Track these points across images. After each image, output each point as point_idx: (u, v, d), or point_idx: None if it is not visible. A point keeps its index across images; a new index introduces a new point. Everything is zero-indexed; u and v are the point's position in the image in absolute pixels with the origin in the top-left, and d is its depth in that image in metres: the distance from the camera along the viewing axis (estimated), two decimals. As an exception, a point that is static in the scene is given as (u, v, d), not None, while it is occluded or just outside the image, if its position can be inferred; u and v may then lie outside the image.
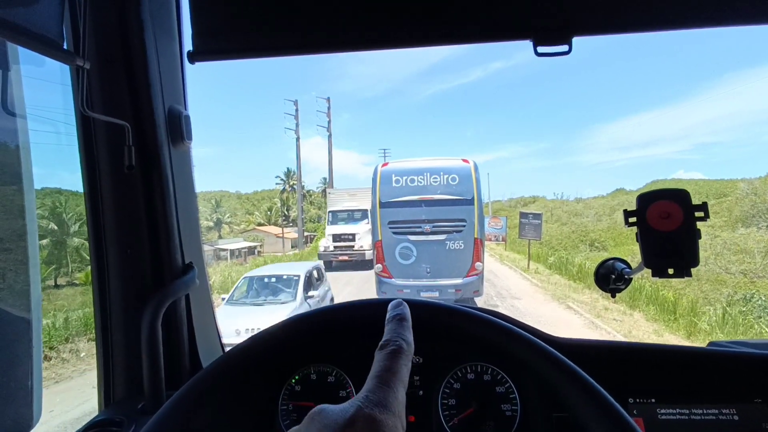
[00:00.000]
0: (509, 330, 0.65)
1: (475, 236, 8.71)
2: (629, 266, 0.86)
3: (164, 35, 0.88)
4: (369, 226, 13.28)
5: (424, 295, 8.65)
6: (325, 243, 17.91)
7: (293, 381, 0.90)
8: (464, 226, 8.72)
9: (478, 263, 8.75)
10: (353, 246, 17.41)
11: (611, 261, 0.86)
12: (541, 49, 0.78)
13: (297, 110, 35.53)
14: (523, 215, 17.12)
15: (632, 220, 0.74)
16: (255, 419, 0.85)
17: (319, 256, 17.54)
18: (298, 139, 35.67)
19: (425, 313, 0.68)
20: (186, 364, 0.95)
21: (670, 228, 0.71)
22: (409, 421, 0.85)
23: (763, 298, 11.30)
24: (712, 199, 40.06)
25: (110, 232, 0.85)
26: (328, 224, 18.92)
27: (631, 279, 0.83)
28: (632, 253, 27.10)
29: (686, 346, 0.89)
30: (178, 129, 0.89)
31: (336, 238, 17.62)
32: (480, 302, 10.26)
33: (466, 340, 0.71)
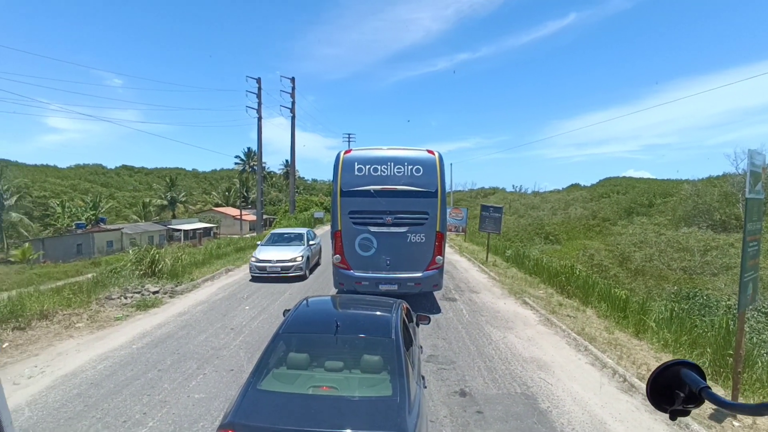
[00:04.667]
0: None
1: (437, 229, 8.55)
2: (704, 375, 0.58)
3: None
4: None
5: (383, 288, 8.43)
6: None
7: None
8: (426, 218, 8.53)
9: (438, 257, 8.61)
10: None
11: (675, 366, 0.57)
12: None
13: (260, 89, 34.08)
14: (484, 208, 17.22)
15: None
16: None
17: None
18: (259, 119, 34.29)
19: None
20: None
21: None
22: None
23: (704, 297, 11.93)
24: (658, 198, 42.25)
25: None
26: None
27: (704, 401, 0.56)
28: (584, 247, 28.08)
29: None
30: None
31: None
32: (438, 295, 10.19)
33: None
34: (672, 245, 26.77)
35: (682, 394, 0.55)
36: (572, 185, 59.45)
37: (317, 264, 14.96)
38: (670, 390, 0.56)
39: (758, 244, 4.50)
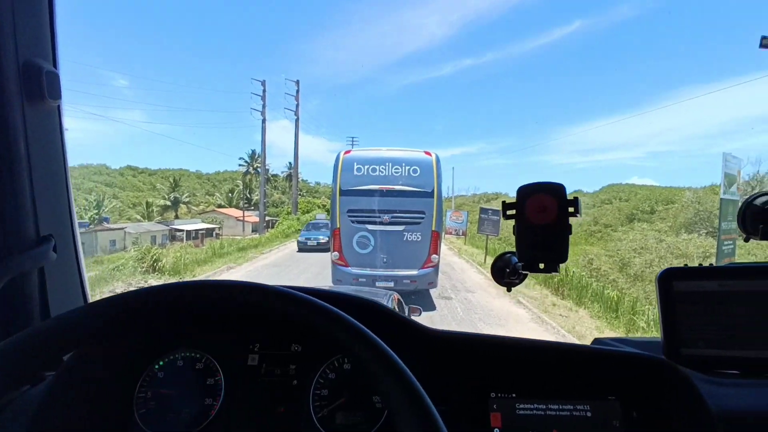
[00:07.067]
0: (325, 310, 0.53)
1: (433, 229, 8.77)
2: None
3: None
4: None
5: (380, 285, 8.66)
6: None
7: (156, 367, 0.83)
8: (423, 218, 8.76)
9: (434, 255, 8.83)
10: None
11: (508, 255, 0.83)
12: None
13: (264, 91, 34.54)
14: (483, 211, 17.47)
15: (510, 212, 0.73)
16: (104, 406, 0.76)
17: None
18: (264, 121, 34.72)
19: (254, 297, 0.57)
20: None
21: (545, 221, 0.70)
22: (279, 412, 0.82)
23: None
24: (660, 205, 42.33)
25: None
26: None
27: (526, 274, 0.81)
28: (584, 253, 28.26)
29: (560, 342, 0.89)
30: (37, 86, 0.78)
31: None
32: (434, 294, 10.40)
33: (293, 322, 0.56)
34: (672, 251, 26.85)
35: (508, 270, 0.81)
36: (575, 191, 59.68)
37: None
38: (502, 270, 0.83)
39: (733, 243, 4.71)
